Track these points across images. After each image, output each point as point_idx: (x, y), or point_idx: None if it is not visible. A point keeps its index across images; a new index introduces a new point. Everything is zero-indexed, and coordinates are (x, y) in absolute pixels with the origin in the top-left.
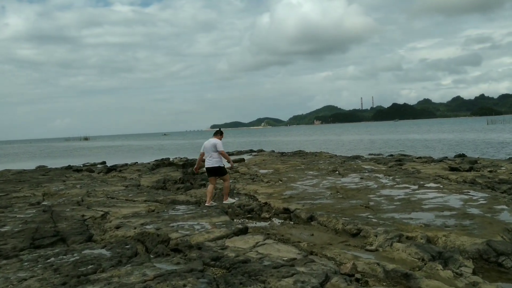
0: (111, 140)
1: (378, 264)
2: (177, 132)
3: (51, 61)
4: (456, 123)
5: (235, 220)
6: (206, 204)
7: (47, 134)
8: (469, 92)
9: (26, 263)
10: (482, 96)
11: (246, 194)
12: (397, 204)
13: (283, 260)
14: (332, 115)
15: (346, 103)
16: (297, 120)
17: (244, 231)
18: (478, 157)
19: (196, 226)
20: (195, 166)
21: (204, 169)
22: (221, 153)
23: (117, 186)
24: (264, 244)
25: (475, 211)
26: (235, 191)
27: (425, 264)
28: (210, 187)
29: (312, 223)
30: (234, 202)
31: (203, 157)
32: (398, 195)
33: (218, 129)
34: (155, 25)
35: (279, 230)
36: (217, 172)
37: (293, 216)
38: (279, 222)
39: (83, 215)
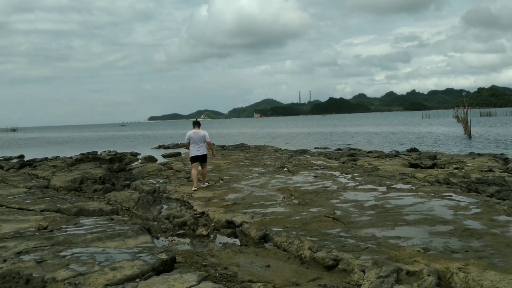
0: (43, 132)
1: None
2: (132, 123)
3: None
4: (391, 117)
5: (160, 239)
6: (193, 189)
7: None
8: (401, 88)
9: None
10: (413, 91)
11: (178, 200)
12: (371, 214)
13: None
14: (271, 109)
15: (285, 96)
16: (237, 113)
17: (169, 264)
18: (436, 152)
19: (98, 256)
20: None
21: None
22: (208, 143)
23: (17, 188)
24: None
25: (475, 224)
26: (164, 195)
27: None
28: (195, 171)
29: (267, 245)
30: (209, 184)
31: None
32: (368, 201)
33: (195, 119)
34: (91, 13)
35: (220, 259)
36: (204, 159)
37: (239, 233)
38: (220, 243)
39: None
